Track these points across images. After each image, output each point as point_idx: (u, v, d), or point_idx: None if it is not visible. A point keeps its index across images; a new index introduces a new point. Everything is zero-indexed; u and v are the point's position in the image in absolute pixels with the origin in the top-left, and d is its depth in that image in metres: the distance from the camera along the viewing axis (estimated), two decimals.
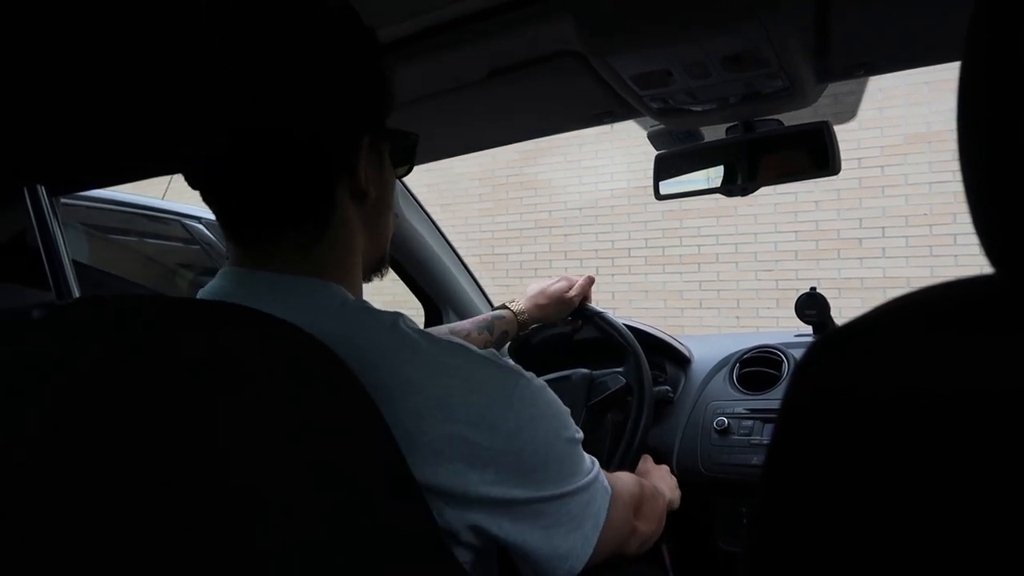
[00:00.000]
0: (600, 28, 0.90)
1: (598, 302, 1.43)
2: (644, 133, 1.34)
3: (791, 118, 1.19)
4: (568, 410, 0.66)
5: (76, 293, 0.49)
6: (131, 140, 0.50)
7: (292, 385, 0.48)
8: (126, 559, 0.39)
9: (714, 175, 1.26)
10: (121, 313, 0.47)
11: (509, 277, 6.80)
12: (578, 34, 0.91)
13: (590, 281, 1.41)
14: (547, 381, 1.34)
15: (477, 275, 1.91)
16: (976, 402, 0.28)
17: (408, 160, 0.75)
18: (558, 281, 1.39)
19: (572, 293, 1.37)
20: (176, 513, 0.40)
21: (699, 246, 5.99)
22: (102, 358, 0.44)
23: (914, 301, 0.33)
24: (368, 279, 0.74)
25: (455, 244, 1.83)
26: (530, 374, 0.63)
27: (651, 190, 1.29)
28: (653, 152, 1.31)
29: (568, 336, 1.68)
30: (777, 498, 0.35)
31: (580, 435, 0.66)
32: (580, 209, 6.51)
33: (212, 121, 0.54)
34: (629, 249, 6.30)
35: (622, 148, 6.27)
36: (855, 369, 0.33)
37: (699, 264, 5.99)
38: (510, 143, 1.41)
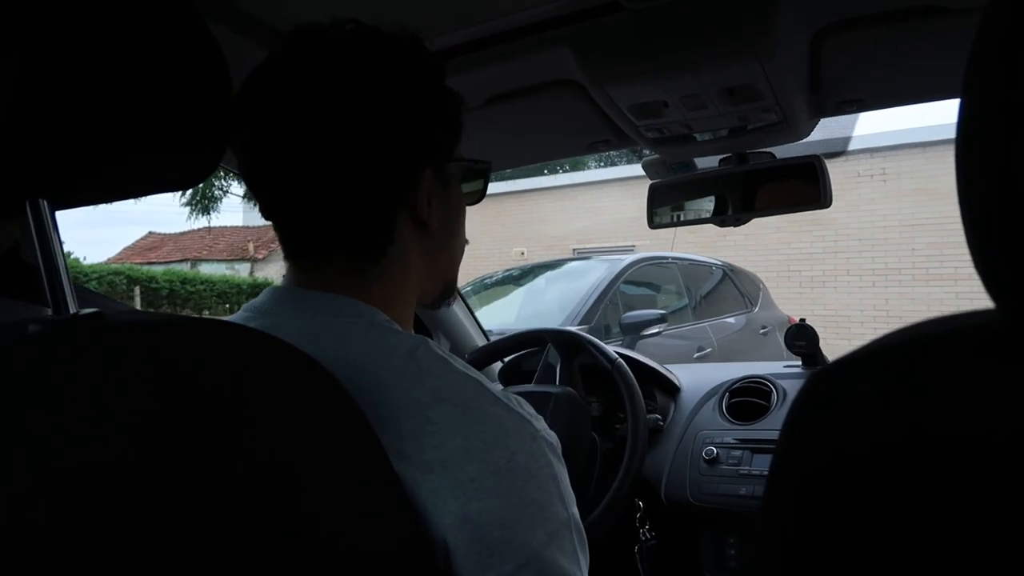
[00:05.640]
0: (600, 59, 0.92)
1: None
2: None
3: (783, 151, 1.21)
4: (574, 497, 0.59)
5: (73, 309, 0.49)
6: (137, 155, 0.50)
7: (285, 407, 0.48)
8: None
9: (707, 205, 1.28)
10: (122, 330, 0.47)
11: (802, 287, 9.03)
12: (578, 64, 0.93)
13: None
14: (525, 392, 1.35)
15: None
16: (975, 445, 0.28)
17: (480, 187, 0.74)
18: None
19: None
20: (183, 531, 0.40)
21: (955, 267, 7.86)
22: (103, 376, 0.43)
23: (909, 336, 0.33)
24: (435, 307, 0.75)
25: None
26: (547, 429, 0.60)
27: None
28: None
29: (558, 363, 1.69)
30: (776, 529, 0.34)
31: (580, 527, 0.59)
32: (859, 240, 8.68)
33: (217, 139, 0.54)
34: (900, 269, 8.41)
35: (893, 196, 8.33)
36: (852, 411, 0.33)
37: (956, 280, 7.90)
38: (507, 168, 1.42)
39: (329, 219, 0.62)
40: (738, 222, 1.22)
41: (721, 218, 1.25)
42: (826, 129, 1.17)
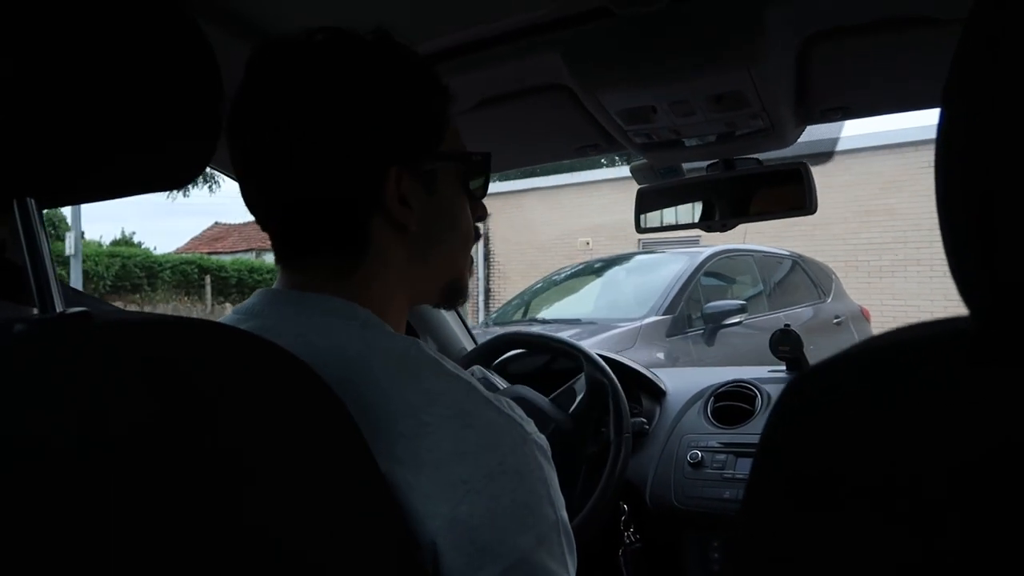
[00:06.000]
0: (589, 64, 0.92)
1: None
2: None
3: (769, 157, 1.22)
4: (563, 501, 0.60)
5: (59, 307, 0.49)
6: (125, 155, 0.50)
7: (267, 407, 0.48)
8: None
9: (694, 210, 1.29)
10: (110, 330, 0.47)
11: (870, 277, 9.08)
12: (568, 68, 0.93)
13: None
14: (532, 403, 1.34)
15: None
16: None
17: (481, 181, 0.72)
18: None
19: None
20: (164, 530, 0.40)
21: None
22: (88, 377, 0.43)
23: (891, 340, 0.34)
24: (446, 306, 0.74)
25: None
26: (538, 432, 0.60)
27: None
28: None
29: (544, 367, 1.69)
30: (760, 532, 0.35)
31: (569, 530, 0.59)
32: (929, 229, 8.32)
33: (206, 140, 0.54)
34: None
35: None
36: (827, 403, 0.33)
37: None
38: (496, 172, 1.43)
39: (312, 221, 0.62)
40: (725, 227, 1.23)
41: (708, 223, 1.26)
42: (814, 132, 1.18)
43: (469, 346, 1.83)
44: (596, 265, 5.70)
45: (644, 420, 1.59)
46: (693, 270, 4.68)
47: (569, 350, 1.50)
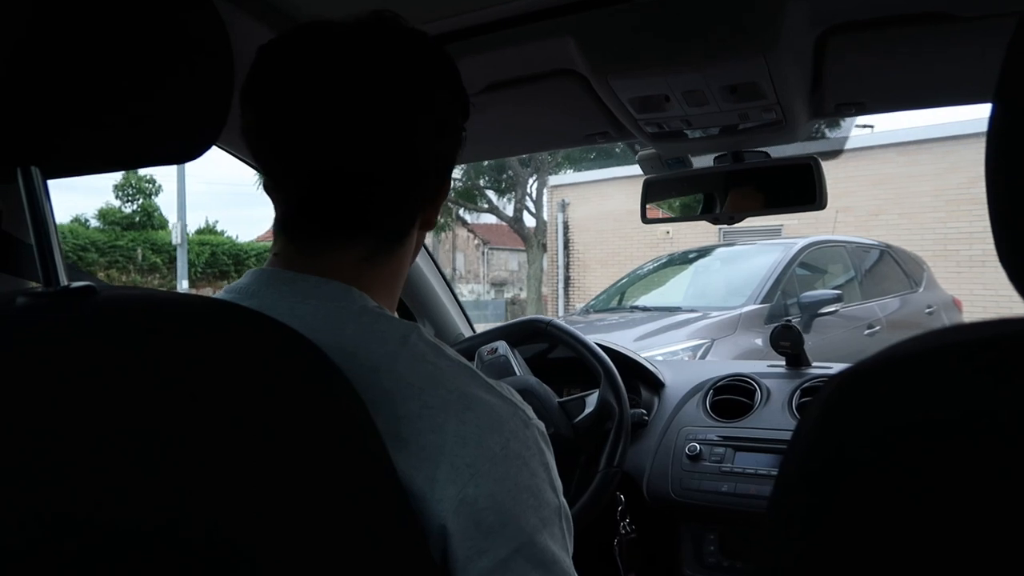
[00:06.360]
0: (603, 50, 0.91)
1: None
2: None
3: (777, 152, 1.21)
4: (561, 485, 0.61)
5: (63, 281, 0.47)
6: (132, 126, 0.49)
7: (275, 386, 0.47)
8: None
9: (701, 202, 1.28)
10: (112, 305, 0.46)
11: (959, 267, 8.96)
12: (580, 54, 0.92)
13: None
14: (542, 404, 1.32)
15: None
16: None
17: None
18: None
19: None
20: (146, 513, 0.39)
21: None
22: (85, 353, 0.42)
23: (951, 339, 0.33)
24: None
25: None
26: (537, 418, 0.61)
27: None
28: None
29: (543, 356, 1.68)
30: (800, 527, 0.34)
31: (568, 515, 0.60)
32: None
33: (216, 114, 0.53)
34: None
35: None
36: (895, 399, 0.32)
37: None
38: (501, 157, 1.42)
39: (367, 210, 0.62)
40: (732, 220, 1.23)
41: (715, 215, 1.25)
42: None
43: (467, 331, 1.82)
44: (691, 255, 6.02)
45: (644, 411, 1.58)
46: (789, 260, 4.91)
47: (595, 364, 1.44)
